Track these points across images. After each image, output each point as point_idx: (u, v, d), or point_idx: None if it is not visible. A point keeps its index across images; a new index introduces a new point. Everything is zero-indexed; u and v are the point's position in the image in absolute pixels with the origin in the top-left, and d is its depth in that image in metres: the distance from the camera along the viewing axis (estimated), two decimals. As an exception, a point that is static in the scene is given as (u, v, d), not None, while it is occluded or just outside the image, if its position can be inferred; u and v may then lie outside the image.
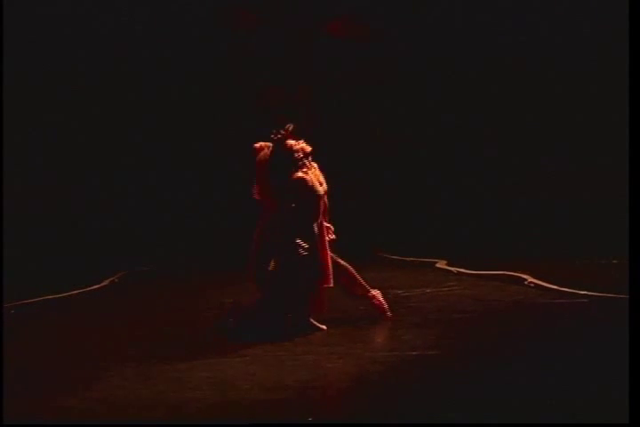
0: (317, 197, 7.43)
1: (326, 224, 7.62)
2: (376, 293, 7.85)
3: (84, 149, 14.02)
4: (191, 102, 14.43)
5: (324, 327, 7.43)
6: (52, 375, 6.29)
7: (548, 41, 13.74)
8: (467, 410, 5.09)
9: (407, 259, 12.49)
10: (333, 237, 7.72)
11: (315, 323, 7.43)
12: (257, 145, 7.65)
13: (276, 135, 7.49)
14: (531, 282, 9.56)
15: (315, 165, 7.59)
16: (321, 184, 7.49)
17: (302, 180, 7.35)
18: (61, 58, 13.77)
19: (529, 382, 5.57)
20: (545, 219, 13.23)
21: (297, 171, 7.40)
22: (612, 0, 12.52)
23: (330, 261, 7.48)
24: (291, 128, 7.50)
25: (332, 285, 7.46)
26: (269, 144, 7.60)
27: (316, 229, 7.39)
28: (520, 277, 9.83)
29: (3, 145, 11.83)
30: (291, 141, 7.47)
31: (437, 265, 11.56)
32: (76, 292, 10.31)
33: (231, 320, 7.50)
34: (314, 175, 7.48)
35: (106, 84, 14.04)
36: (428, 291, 9.47)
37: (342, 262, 7.72)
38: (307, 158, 7.50)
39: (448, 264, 11.46)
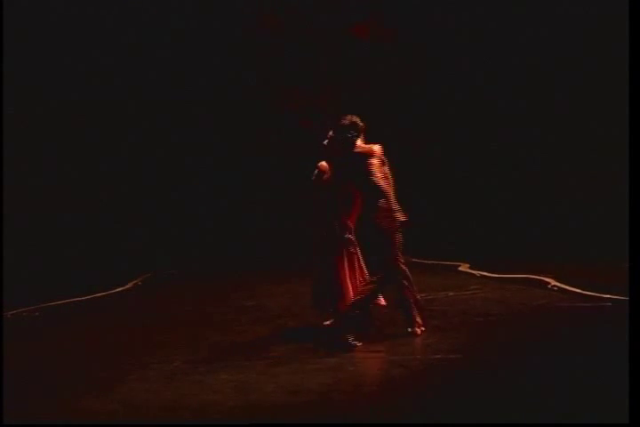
0: None
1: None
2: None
3: (112, 152, 14.09)
4: (220, 105, 14.52)
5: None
6: (75, 377, 6.32)
7: (552, 43, 13.73)
8: (490, 413, 5.09)
9: (430, 262, 12.47)
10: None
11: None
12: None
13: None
14: (554, 285, 9.52)
15: None
16: None
17: None
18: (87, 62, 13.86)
19: (549, 385, 5.56)
20: (570, 221, 13.16)
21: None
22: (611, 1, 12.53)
23: None
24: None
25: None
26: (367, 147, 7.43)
27: None
28: (543, 281, 9.79)
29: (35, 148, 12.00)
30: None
31: (460, 268, 11.54)
32: (100, 294, 10.37)
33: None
34: None
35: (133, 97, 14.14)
36: (452, 294, 9.46)
37: None
38: None
39: (471, 267, 11.44)
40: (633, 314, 5.82)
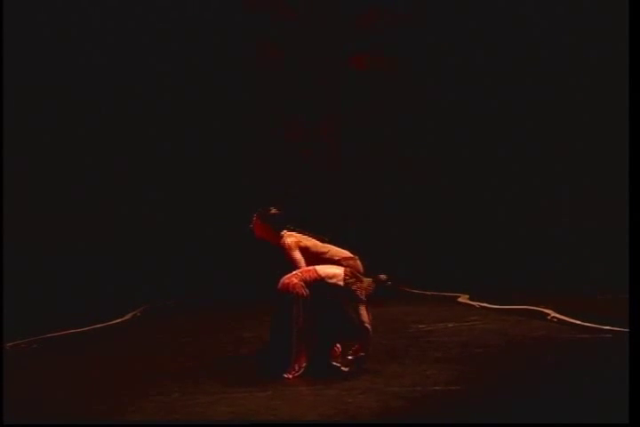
0: None
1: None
2: None
3: (113, 181, 14.14)
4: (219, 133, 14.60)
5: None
6: (73, 409, 6.29)
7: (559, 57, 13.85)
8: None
9: (429, 293, 12.46)
10: None
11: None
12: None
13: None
14: (553, 317, 9.52)
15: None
16: None
17: None
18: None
19: (549, 418, 5.55)
20: (570, 253, 13.16)
21: None
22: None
23: None
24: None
25: None
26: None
27: None
28: (543, 312, 9.79)
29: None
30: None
31: (460, 299, 11.53)
32: (99, 325, 10.35)
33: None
34: None
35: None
36: (451, 325, 9.45)
37: None
38: None
39: (470, 299, 11.43)
40: (633, 346, 5.81)
